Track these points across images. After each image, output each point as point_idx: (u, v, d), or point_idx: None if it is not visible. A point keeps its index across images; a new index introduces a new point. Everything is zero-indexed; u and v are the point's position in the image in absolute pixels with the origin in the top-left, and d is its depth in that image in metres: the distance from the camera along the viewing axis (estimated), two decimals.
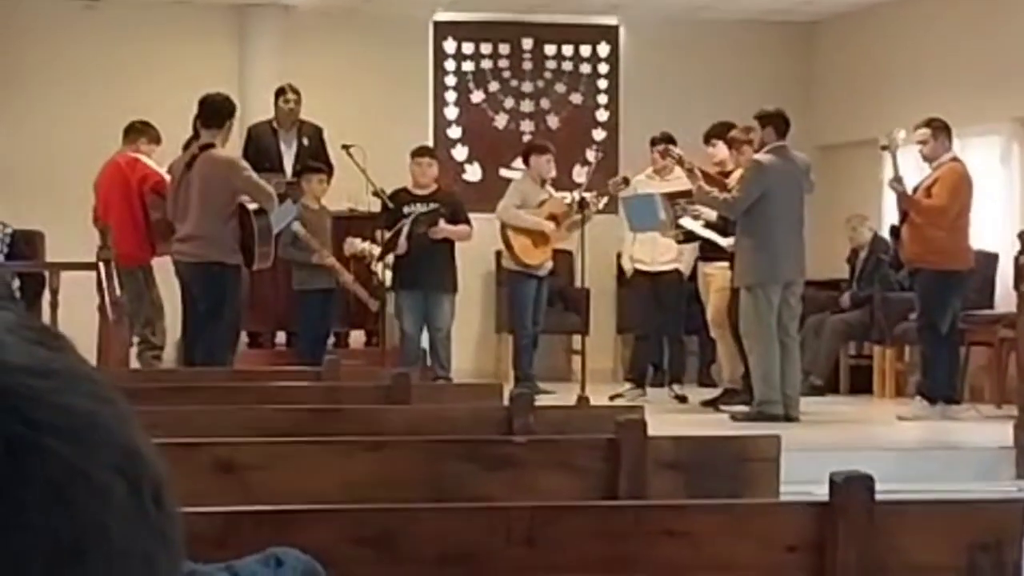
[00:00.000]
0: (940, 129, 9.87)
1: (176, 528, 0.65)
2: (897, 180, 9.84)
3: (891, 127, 10.10)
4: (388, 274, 10.89)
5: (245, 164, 9.50)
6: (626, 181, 11.25)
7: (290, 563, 1.03)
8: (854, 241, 12.13)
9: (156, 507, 0.63)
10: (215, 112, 9.17)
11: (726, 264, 10.15)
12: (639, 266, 11.29)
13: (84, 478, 0.60)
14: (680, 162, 10.38)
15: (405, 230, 10.51)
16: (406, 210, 10.65)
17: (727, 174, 10.26)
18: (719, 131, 10.51)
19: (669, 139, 10.97)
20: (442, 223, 10.70)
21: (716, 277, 10.51)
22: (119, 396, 0.66)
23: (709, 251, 10.57)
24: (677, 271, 11.20)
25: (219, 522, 2.25)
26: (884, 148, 10.10)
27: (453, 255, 10.86)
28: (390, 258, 10.70)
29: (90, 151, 10.93)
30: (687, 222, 10.33)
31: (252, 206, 9.15)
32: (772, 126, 9.70)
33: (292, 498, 2.96)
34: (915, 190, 9.90)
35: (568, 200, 11.24)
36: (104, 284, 9.41)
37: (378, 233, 10.76)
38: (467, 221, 10.89)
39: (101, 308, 9.29)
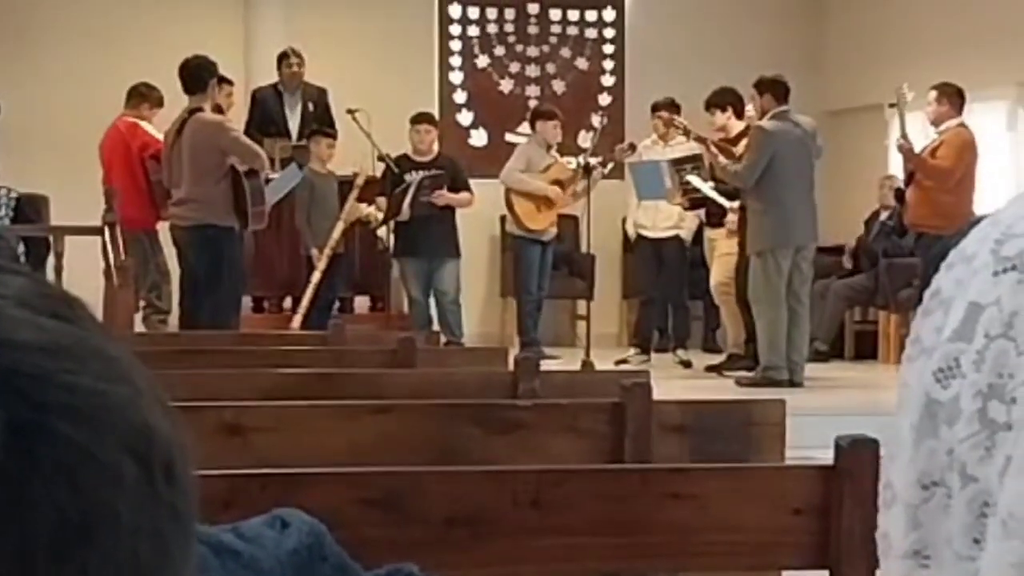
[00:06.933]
0: (946, 94, 9.84)
1: (189, 502, 0.64)
2: (903, 137, 9.81)
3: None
4: (392, 239, 10.90)
5: (232, 125, 9.53)
6: (632, 147, 11.24)
7: (295, 525, 1.04)
8: (883, 200, 11.99)
9: (167, 483, 0.62)
10: (194, 76, 9.20)
11: (724, 229, 10.18)
12: (641, 231, 11.31)
13: (93, 460, 0.59)
14: (686, 132, 10.38)
15: (408, 197, 10.51)
16: (407, 177, 10.65)
17: (731, 140, 10.24)
18: (719, 99, 10.46)
19: (672, 103, 10.95)
20: (444, 189, 10.71)
21: (720, 243, 10.50)
22: (134, 368, 0.64)
23: (714, 217, 10.56)
24: (678, 237, 11.22)
25: (225, 484, 2.25)
26: (892, 105, 10.09)
27: (455, 221, 10.86)
28: (392, 224, 10.72)
29: (94, 114, 10.91)
30: (694, 179, 10.31)
31: (243, 168, 9.17)
32: (770, 92, 9.68)
33: (298, 460, 2.97)
34: (920, 153, 9.88)
35: (573, 165, 11.24)
36: (109, 248, 9.42)
37: (380, 200, 10.77)
38: (468, 188, 10.91)
39: (106, 272, 9.30)
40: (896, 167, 11.15)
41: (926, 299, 0.70)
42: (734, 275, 10.18)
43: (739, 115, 10.40)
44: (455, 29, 13.33)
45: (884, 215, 11.96)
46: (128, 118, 10.59)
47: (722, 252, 10.43)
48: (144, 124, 10.55)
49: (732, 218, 10.22)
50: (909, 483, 0.67)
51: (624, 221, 11.96)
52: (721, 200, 10.25)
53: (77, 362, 0.61)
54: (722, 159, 9.78)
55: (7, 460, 0.57)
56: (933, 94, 9.82)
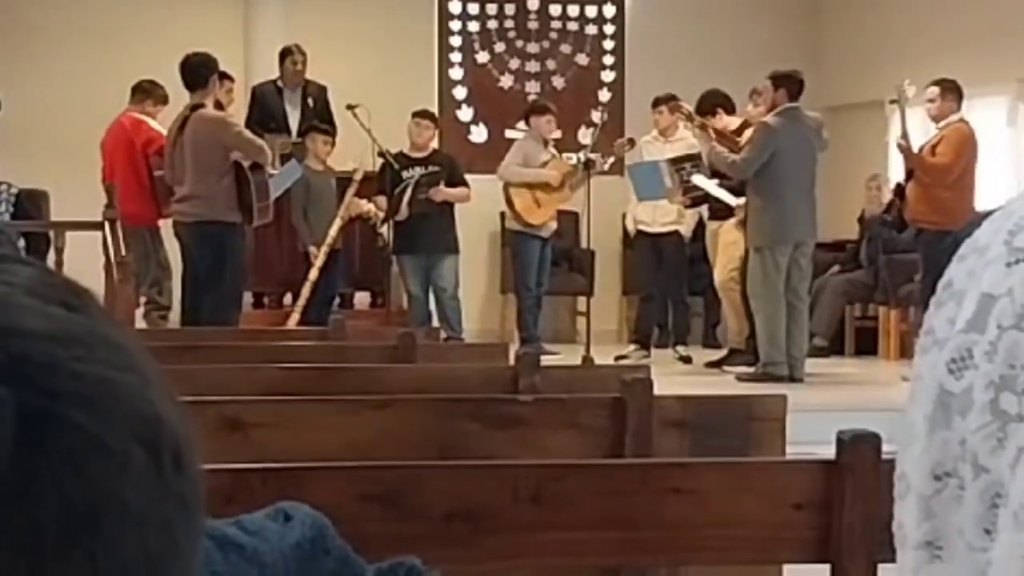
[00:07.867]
0: (948, 90, 9.83)
1: (196, 491, 0.64)
2: (903, 136, 9.80)
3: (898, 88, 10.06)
4: (392, 236, 10.90)
5: (235, 121, 9.53)
6: (631, 142, 11.23)
7: (299, 518, 1.04)
8: (875, 202, 11.96)
9: (175, 472, 0.63)
10: (195, 73, 9.21)
11: (734, 220, 10.15)
12: (641, 227, 11.30)
13: (101, 448, 0.59)
14: (690, 118, 10.34)
15: (407, 196, 10.52)
16: (405, 174, 10.67)
17: (735, 131, 10.21)
18: (706, 104, 10.41)
19: (673, 99, 10.94)
20: (442, 185, 10.74)
21: (725, 234, 10.47)
22: (142, 357, 0.65)
23: (720, 211, 10.53)
24: (678, 232, 11.21)
25: (227, 479, 2.25)
26: (893, 102, 10.09)
27: (453, 216, 10.88)
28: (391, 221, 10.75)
29: (95, 110, 10.91)
30: (699, 179, 10.28)
31: (247, 163, 9.17)
32: (784, 88, 9.66)
33: (299, 456, 2.97)
34: (920, 149, 9.88)
35: (573, 161, 11.23)
36: (110, 244, 9.42)
37: (379, 198, 10.78)
38: (464, 183, 10.93)
39: (107, 268, 9.29)
40: (896, 163, 11.13)
41: (939, 291, 0.70)
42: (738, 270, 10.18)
43: (730, 112, 10.40)
44: (455, 25, 13.32)
45: (870, 214, 11.93)
46: (133, 114, 10.58)
47: (728, 242, 10.39)
48: (149, 120, 10.55)
49: (740, 213, 10.19)
50: (922, 474, 0.67)
51: (624, 217, 11.95)
52: (727, 198, 10.22)
53: (86, 350, 0.61)
54: (719, 147, 9.77)
55: (16, 448, 0.56)
56: (935, 90, 9.81)
